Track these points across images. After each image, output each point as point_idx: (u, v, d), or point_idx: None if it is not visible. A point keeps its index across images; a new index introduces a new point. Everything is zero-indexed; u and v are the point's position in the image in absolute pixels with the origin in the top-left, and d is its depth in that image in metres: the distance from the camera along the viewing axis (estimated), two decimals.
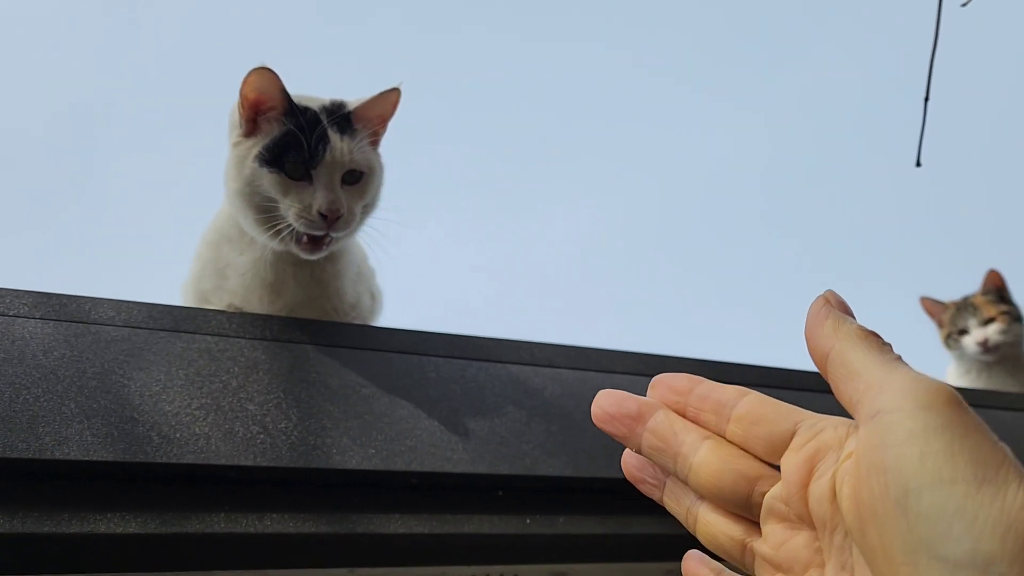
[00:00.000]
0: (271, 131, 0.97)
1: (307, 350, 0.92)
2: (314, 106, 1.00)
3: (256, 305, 1.00)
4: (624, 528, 0.88)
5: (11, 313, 0.80)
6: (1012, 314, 2.18)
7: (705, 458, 0.35)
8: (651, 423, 0.36)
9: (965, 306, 2.19)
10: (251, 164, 0.96)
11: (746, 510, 0.34)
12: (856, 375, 0.31)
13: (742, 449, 0.34)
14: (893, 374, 0.30)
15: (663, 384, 0.37)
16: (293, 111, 0.98)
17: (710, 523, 0.35)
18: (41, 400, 0.72)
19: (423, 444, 0.85)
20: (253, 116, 0.98)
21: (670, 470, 0.36)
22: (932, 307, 2.24)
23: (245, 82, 0.95)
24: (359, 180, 1.00)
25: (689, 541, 1.00)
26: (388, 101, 1.02)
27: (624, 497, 0.92)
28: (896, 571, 0.27)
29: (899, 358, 0.31)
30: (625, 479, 0.96)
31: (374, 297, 1.13)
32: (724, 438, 0.35)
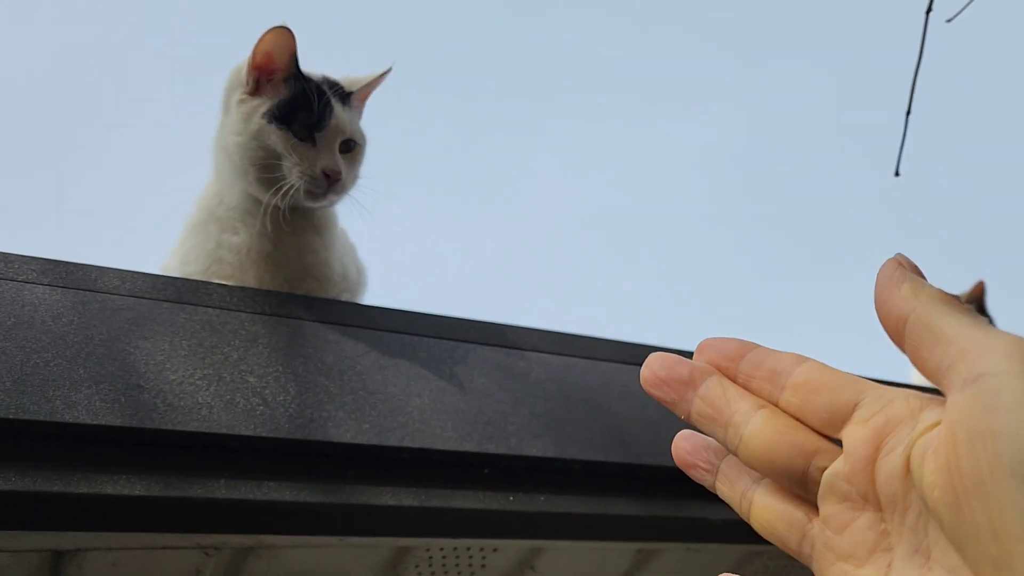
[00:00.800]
0: (278, 92, 1.02)
1: (304, 325, 0.96)
2: (315, 76, 1.05)
3: (253, 283, 1.03)
4: (601, 508, 0.93)
5: (20, 279, 0.83)
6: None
7: (759, 428, 0.32)
8: (702, 389, 0.34)
9: None
10: (259, 120, 1.00)
11: (802, 487, 0.32)
12: (945, 339, 0.28)
13: (798, 420, 0.32)
14: (991, 336, 0.27)
15: (712, 348, 0.35)
16: (300, 76, 1.02)
17: (766, 507, 0.33)
18: (51, 364, 0.75)
19: (414, 421, 0.88)
20: (260, 76, 1.02)
21: (719, 440, 0.34)
22: None
23: (262, 40, 0.99)
24: (352, 149, 1.06)
25: (659, 522, 1.04)
26: (380, 80, 1.09)
27: (601, 478, 0.97)
28: (1008, 549, 0.25)
29: (990, 321, 0.29)
30: (603, 461, 1.00)
31: (359, 271, 1.17)
32: (778, 407, 0.33)
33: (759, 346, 0.34)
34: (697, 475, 0.36)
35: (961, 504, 0.26)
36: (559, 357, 1.10)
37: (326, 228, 1.09)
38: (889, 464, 0.29)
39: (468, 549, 0.98)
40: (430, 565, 0.98)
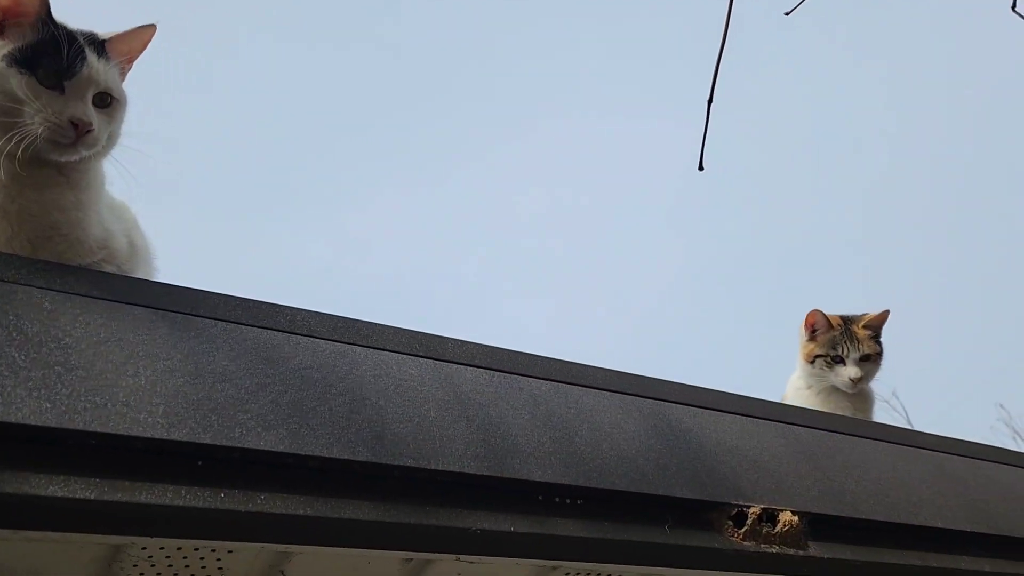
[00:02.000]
0: (24, 36, 0.95)
1: (17, 290, 0.85)
2: (71, 27, 0.98)
3: None
4: (334, 512, 0.84)
5: None
6: (881, 354, 2.20)
7: None
8: None
9: (849, 335, 2.18)
10: None
11: None
12: None
13: None
14: None
15: None
16: (51, 22, 0.96)
17: None
18: None
19: (116, 403, 0.78)
20: (5, 18, 0.96)
21: None
22: (821, 322, 2.22)
23: None
24: (109, 105, 1.00)
25: (412, 529, 0.93)
26: (142, 37, 1.03)
27: (344, 477, 0.87)
28: None
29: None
30: (347, 460, 0.89)
31: (134, 244, 1.07)
32: None
33: None
34: None
35: None
36: (335, 344, 1.01)
37: (83, 186, 0.99)
38: None
39: (196, 550, 0.88)
40: (153, 565, 0.88)
